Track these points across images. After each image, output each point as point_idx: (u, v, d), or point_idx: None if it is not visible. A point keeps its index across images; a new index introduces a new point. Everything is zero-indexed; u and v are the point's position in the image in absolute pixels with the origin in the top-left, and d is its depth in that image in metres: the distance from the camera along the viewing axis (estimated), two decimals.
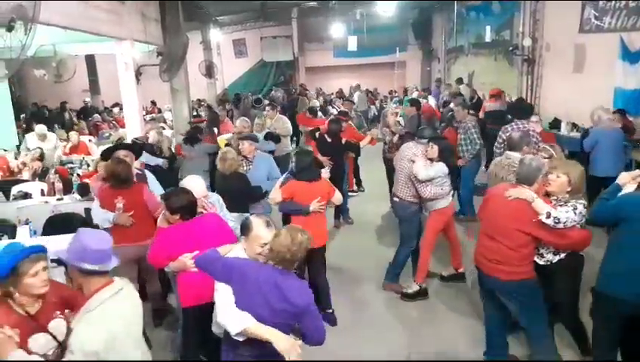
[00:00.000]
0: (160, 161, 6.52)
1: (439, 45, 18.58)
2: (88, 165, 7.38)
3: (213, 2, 13.80)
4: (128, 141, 7.42)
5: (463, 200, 7.22)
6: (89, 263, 2.33)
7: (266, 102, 12.04)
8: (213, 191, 4.95)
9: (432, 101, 13.41)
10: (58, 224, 5.27)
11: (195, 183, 3.70)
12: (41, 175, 7.21)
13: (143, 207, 4.31)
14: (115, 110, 14.78)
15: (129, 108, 7.83)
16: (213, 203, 3.96)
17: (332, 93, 18.56)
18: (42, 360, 2.32)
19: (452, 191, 5.07)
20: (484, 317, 3.83)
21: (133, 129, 7.78)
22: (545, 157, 3.91)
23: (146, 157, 6.73)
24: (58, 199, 6.01)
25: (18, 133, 10.50)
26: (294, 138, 11.27)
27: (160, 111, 15.10)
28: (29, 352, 2.31)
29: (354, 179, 8.72)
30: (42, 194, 6.42)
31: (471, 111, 11.11)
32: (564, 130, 9.10)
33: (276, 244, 2.57)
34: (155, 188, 4.76)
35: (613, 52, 8.87)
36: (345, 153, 6.86)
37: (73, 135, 9.20)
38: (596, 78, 9.17)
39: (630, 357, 3.33)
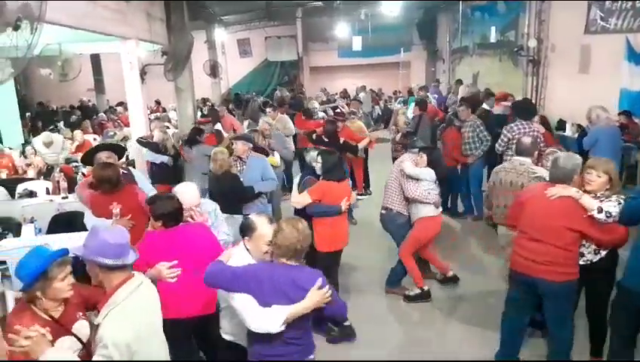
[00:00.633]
0: (165, 159, 6.58)
1: (444, 45, 18.54)
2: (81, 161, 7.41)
3: (219, 2, 13.84)
4: (133, 140, 7.46)
5: (474, 199, 7.21)
6: (110, 258, 2.32)
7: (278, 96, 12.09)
8: (211, 194, 4.96)
9: (433, 101, 13.39)
10: (63, 222, 5.29)
11: (186, 191, 3.55)
12: (46, 173, 7.25)
13: (139, 208, 4.08)
14: (120, 109, 14.83)
15: (134, 108, 7.84)
16: (209, 212, 3.80)
17: (336, 93, 18.56)
18: (77, 359, 2.31)
19: (440, 201, 4.98)
20: (504, 320, 3.74)
21: (137, 128, 7.79)
22: None
23: (151, 155, 6.79)
24: (63, 198, 6.03)
25: (24, 132, 10.56)
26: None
27: (164, 110, 15.14)
28: None
29: (363, 183, 8.65)
30: (47, 192, 6.45)
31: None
32: (569, 131, 9.08)
33: (283, 239, 2.54)
34: (143, 184, 4.66)
35: (619, 53, 8.84)
36: (343, 153, 6.84)
37: (78, 134, 9.23)
38: (602, 79, 9.13)
39: None
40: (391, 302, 5.04)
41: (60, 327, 2.39)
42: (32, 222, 5.14)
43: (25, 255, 2.42)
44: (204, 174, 5.90)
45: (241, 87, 19.52)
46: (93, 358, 2.23)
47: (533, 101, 11.04)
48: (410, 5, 16.22)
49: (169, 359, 2.61)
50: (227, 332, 3.00)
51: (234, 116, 11.79)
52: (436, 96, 14.28)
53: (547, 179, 3.74)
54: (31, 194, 6.24)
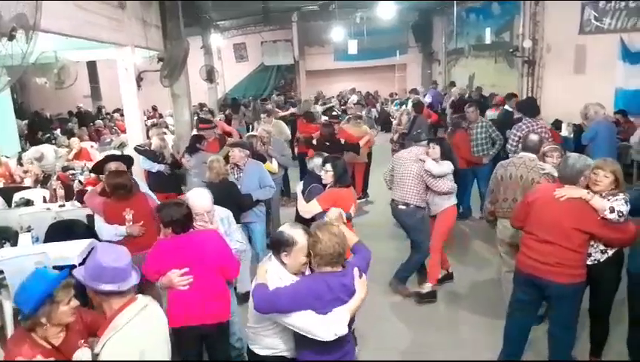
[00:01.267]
0: (162, 167, 6.52)
1: (439, 47, 18.60)
2: (90, 171, 7.38)
3: (215, 7, 13.87)
4: (131, 147, 7.44)
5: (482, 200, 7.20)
6: (106, 283, 2.17)
7: (269, 106, 12.07)
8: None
9: (427, 100, 13.43)
10: (60, 231, 5.25)
11: (198, 196, 3.48)
12: (43, 181, 7.23)
13: (151, 214, 4.19)
14: (116, 115, 14.83)
15: (130, 114, 7.84)
16: (222, 219, 3.76)
17: (332, 97, 18.58)
18: None
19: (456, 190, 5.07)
20: (509, 321, 3.73)
21: (134, 134, 7.79)
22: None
23: (147, 163, 6.75)
24: (60, 206, 6.00)
25: (20, 140, 10.53)
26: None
27: (161, 116, 15.13)
28: None
29: (361, 186, 8.64)
30: (44, 201, 6.42)
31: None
32: (565, 131, 9.09)
33: (325, 248, 2.49)
34: (146, 194, 4.69)
35: (614, 53, 8.89)
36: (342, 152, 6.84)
37: (74, 142, 9.21)
38: (597, 78, 9.17)
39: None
40: (389, 300, 5.05)
41: (61, 356, 2.27)
42: (29, 231, 5.11)
43: (26, 279, 2.29)
44: (204, 182, 5.85)
45: (237, 92, 19.54)
46: None
47: None
48: (405, 8, 16.27)
49: None
50: (267, 346, 2.79)
51: (231, 121, 11.80)
52: (431, 98, 14.31)
53: (555, 175, 3.82)
54: (28, 202, 6.22)
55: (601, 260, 3.43)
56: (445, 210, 4.98)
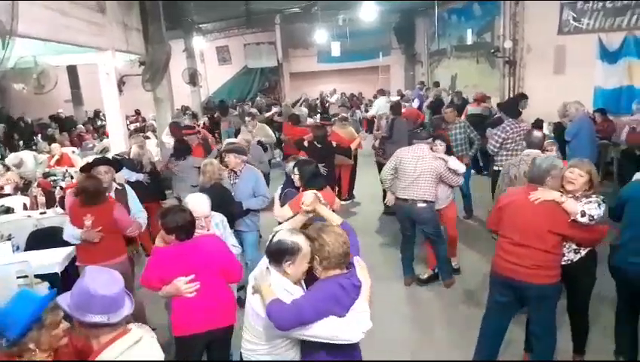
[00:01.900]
0: (140, 177, 6.34)
1: (422, 49, 18.73)
2: (72, 177, 7.28)
3: (197, 10, 13.80)
4: (113, 153, 7.34)
5: (467, 200, 7.30)
6: (94, 314, 1.91)
7: (254, 110, 12.05)
8: None
9: (415, 104, 13.50)
10: (41, 238, 5.19)
11: (196, 202, 3.46)
12: (23, 189, 7.10)
13: (112, 225, 4.12)
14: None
15: (112, 119, 7.77)
16: (216, 224, 3.75)
17: (317, 98, 18.61)
18: None
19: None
20: (485, 323, 3.75)
21: (116, 139, 7.71)
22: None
23: (126, 173, 6.57)
24: (41, 213, 5.92)
25: (0, 147, 10.36)
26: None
27: (144, 120, 15.01)
28: None
29: (347, 187, 8.66)
30: (25, 208, 6.32)
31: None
32: (546, 130, 9.22)
33: (333, 249, 2.42)
34: (134, 204, 4.61)
35: (592, 52, 9.03)
36: (331, 157, 6.85)
37: (55, 148, 9.08)
38: (577, 78, 9.32)
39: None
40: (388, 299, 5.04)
41: None
42: (9, 239, 5.04)
43: (9, 301, 2.09)
44: (193, 187, 5.77)
45: (221, 95, 19.45)
46: None
47: None
48: (387, 10, 16.35)
49: None
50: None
51: (217, 124, 11.73)
52: (415, 98, 14.40)
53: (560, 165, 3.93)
54: (8, 210, 6.11)
55: (575, 260, 3.49)
56: (450, 204, 5.37)
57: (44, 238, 5.17)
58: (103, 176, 4.41)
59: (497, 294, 3.59)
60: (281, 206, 4.15)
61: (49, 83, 9.42)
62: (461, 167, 5.01)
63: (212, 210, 3.74)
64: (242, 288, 4.39)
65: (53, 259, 4.61)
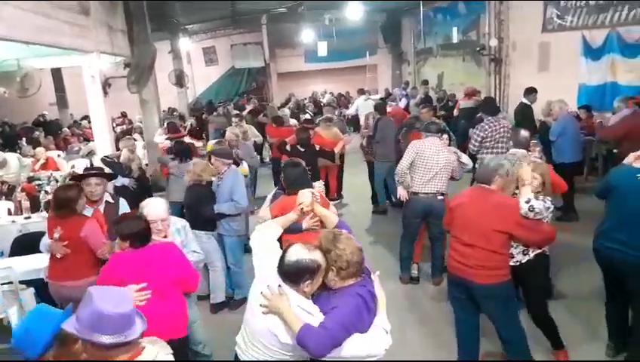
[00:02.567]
0: (126, 181, 6.26)
1: (408, 48, 18.79)
2: (57, 181, 7.19)
3: (183, 11, 13.71)
4: (99, 156, 7.27)
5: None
6: (107, 334, 1.80)
7: (236, 111, 12.00)
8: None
9: (402, 103, 13.54)
10: (26, 244, 5.11)
11: (151, 206, 3.40)
12: (7, 193, 7.01)
13: (80, 242, 3.76)
14: (84, 122, 14.51)
15: (97, 122, 7.69)
16: (178, 229, 3.68)
17: (305, 98, 18.59)
18: None
19: None
20: (456, 322, 3.78)
21: (102, 142, 7.64)
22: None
23: None
24: (26, 218, 5.86)
25: None
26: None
27: (131, 122, 14.88)
28: None
29: (335, 187, 8.65)
30: (9, 213, 6.24)
31: (441, 112, 11.39)
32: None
33: (351, 256, 2.35)
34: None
35: (576, 49, 9.11)
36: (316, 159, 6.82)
37: (40, 152, 8.97)
38: (561, 75, 9.41)
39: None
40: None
41: None
42: None
43: (26, 319, 2.04)
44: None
45: (208, 96, 19.35)
46: None
47: (497, 99, 11.32)
48: (374, 9, 16.39)
49: None
50: None
51: (203, 125, 11.67)
52: (401, 97, 14.42)
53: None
54: None
55: (523, 261, 3.55)
56: (446, 198, 5.22)
57: (28, 244, 5.09)
58: (93, 187, 4.13)
59: (454, 291, 3.66)
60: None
61: (33, 86, 9.32)
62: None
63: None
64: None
65: (38, 265, 4.54)
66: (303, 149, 6.56)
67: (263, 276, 2.49)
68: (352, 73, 20.95)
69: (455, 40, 14.04)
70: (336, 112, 15.98)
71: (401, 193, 5.27)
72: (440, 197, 5.05)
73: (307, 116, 11.33)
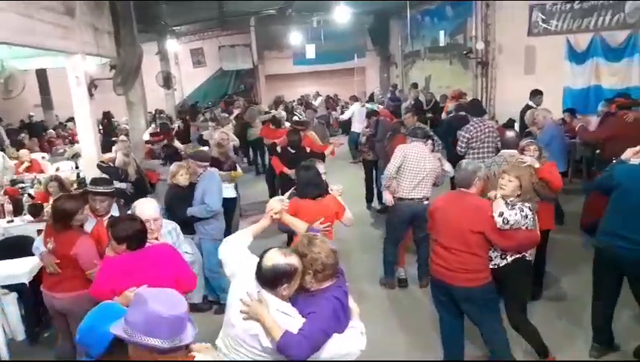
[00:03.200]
0: (123, 186, 6.19)
1: (396, 50, 18.87)
2: (40, 183, 7.09)
3: (171, 12, 13.63)
4: (84, 158, 7.18)
5: None
6: (162, 338, 1.72)
7: (225, 115, 11.95)
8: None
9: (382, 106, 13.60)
10: (9, 248, 5.05)
11: (142, 206, 3.42)
12: None
13: (70, 259, 3.63)
14: (70, 124, 14.34)
15: (82, 124, 7.59)
16: (169, 231, 3.74)
17: (293, 100, 18.58)
18: None
19: None
20: (440, 324, 3.81)
21: (87, 144, 7.55)
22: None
23: None
24: (8, 221, 5.78)
25: None
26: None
27: (110, 123, 14.71)
28: None
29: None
30: None
31: (429, 115, 11.46)
32: (517, 129, 9.39)
33: (326, 258, 2.41)
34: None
35: (561, 53, 9.22)
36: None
37: (24, 154, 8.86)
38: (547, 78, 9.51)
39: None
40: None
41: None
42: None
43: (90, 316, 1.98)
44: None
45: (196, 98, 19.25)
46: None
47: (483, 102, 11.41)
48: (362, 11, 16.43)
49: None
50: None
51: (189, 127, 11.61)
52: (386, 100, 14.46)
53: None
54: None
55: (501, 265, 3.56)
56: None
57: (11, 248, 5.03)
58: (98, 204, 3.98)
59: (437, 293, 3.70)
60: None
61: (17, 88, 9.20)
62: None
63: (165, 211, 3.68)
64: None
65: (20, 269, 4.49)
66: (293, 151, 6.56)
67: (241, 282, 2.53)
68: (341, 76, 20.98)
69: (442, 43, 14.13)
70: (331, 113, 16.05)
71: (388, 198, 5.27)
72: (426, 202, 5.06)
73: (296, 118, 11.34)
